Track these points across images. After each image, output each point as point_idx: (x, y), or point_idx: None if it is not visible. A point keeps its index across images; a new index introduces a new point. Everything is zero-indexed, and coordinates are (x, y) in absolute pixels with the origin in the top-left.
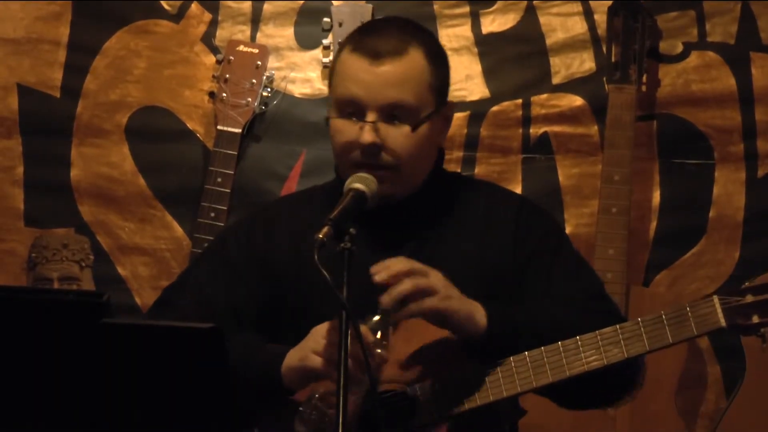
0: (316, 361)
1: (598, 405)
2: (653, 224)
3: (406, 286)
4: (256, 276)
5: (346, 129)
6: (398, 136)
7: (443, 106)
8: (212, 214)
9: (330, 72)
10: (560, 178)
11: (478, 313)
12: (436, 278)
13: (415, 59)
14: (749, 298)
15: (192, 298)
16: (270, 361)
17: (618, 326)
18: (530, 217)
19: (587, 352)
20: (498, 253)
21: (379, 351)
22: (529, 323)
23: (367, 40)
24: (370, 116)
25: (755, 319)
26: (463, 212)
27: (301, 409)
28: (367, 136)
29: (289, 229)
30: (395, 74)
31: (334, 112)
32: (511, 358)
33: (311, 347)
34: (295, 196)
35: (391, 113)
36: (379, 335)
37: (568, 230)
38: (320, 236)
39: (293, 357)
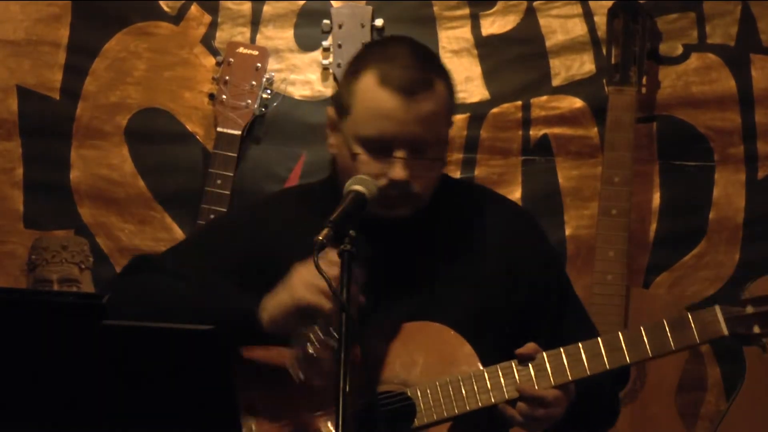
0: (312, 294)
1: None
2: (653, 226)
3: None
4: (241, 268)
5: (373, 163)
6: (426, 169)
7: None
8: (212, 216)
9: (343, 95)
10: (560, 180)
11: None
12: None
13: (440, 92)
14: (750, 309)
15: (170, 263)
16: (243, 317)
17: (620, 333)
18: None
19: (589, 357)
20: (491, 268)
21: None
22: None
23: (393, 71)
24: (399, 152)
25: (756, 330)
26: (466, 224)
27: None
28: (401, 172)
29: (282, 226)
30: (428, 111)
31: (358, 148)
32: (513, 362)
33: (303, 284)
34: (290, 192)
35: (420, 148)
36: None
37: (567, 232)
38: (320, 238)
39: (280, 301)
